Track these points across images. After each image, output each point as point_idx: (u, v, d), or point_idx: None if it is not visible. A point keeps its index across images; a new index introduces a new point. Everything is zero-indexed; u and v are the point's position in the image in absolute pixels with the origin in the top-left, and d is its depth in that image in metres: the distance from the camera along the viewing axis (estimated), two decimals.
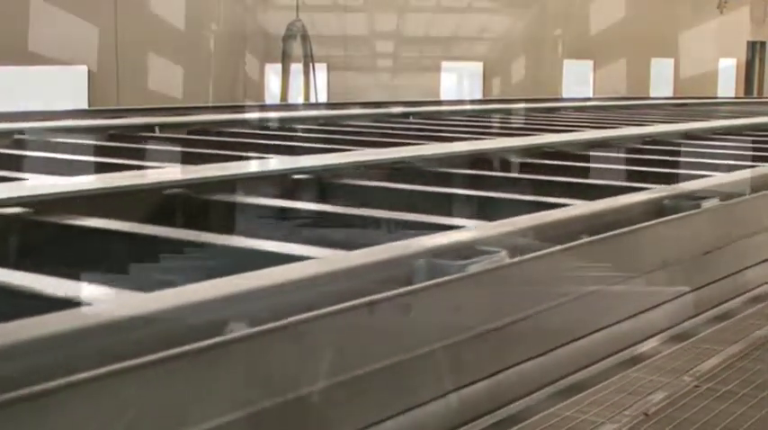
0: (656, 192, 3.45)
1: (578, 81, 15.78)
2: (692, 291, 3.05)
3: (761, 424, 1.96)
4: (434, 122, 7.60)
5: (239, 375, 1.58)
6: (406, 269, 2.11)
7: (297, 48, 13.18)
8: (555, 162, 4.73)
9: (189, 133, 6.02)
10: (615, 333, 2.62)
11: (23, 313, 1.48)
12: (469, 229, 2.60)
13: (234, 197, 3.21)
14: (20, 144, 5.07)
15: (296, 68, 13.28)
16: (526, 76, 15.41)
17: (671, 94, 15.65)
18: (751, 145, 6.00)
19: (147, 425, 1.41)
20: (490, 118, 8.29)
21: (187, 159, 4.45)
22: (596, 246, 2.60)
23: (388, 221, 2.89)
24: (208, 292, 1.68)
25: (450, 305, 2.06)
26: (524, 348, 2.28)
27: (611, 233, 2.67)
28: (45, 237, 2.60)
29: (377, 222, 2.91)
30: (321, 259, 2.07)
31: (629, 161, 5.08)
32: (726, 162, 4.76)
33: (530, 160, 4.77)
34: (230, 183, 3.28)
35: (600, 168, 4.61)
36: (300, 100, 13.11)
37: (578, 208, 3.06)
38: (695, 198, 3.34)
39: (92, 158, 4.28)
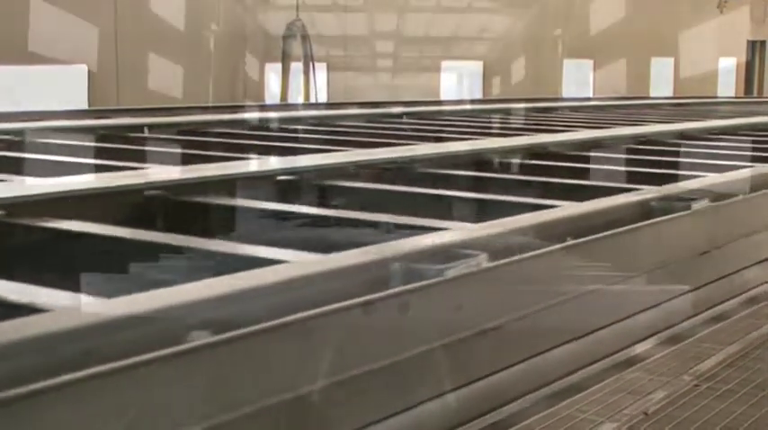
0: (645, 193, 3.43)
1: (578, 81, 15.76)
2: (685, 293, 3.04)
3: (761, 423, 1.96)
4: (430, 122, 7.59)
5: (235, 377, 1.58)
6: (384, 273, 2.10)
7: (297, 47, 13.19)
8: (545, 162, 4.70)
9: (178, 133, 6.00)
10: (613, 333, 2.62)
11: None
12: (451, 232, 2.59)
13: (215, 199, 3.18)
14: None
15: (296, 68, 13.29)
16: (526, 76, 15.41)
17: (671, 94, 15.63)
18: (746, 145, 5.97)
19: None
20: (486, 118, 8.27)
21: (175, 160, 4.44)
22: (581, 248, 2.59)
23: (372, 223, 2.88)
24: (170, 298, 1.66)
25: (450, 305, 2.06)
26: (524, 348, 2.28)
27: (595, 236, 2.65)
28: (15, 240, 2.59)
29: (360, 224, 2.90)
30: (295, 263, 2.06)
31: (620, 162, 5.05)
32: (719, 162, 4.74)
33: (520, 161, 4.75)
34: (212, 185, 3.25)
35: (590, 169, 4.59)
36: (300, 100, 13.11)
37: (563, 210, 3.04)
38: (684, 199, 3.32)
39: (74, 159, 4.24)
